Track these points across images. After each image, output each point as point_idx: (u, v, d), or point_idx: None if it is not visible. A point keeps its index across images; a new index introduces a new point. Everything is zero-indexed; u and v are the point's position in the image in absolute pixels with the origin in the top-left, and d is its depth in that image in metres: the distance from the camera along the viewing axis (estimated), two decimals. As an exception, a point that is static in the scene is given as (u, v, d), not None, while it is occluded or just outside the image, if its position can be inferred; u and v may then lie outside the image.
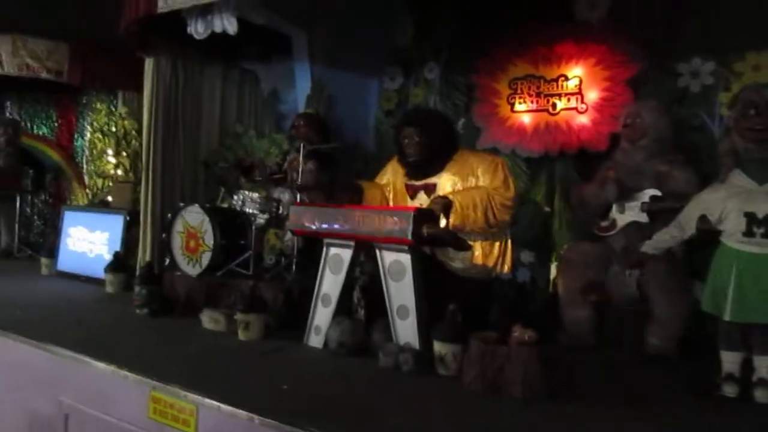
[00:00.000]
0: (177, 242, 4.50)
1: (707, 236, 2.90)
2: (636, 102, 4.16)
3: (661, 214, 3.62)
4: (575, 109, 4.63)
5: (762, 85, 2.95)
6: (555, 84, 4.73)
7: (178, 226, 4.50)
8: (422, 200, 3.78)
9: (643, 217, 3.67)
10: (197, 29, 4.34)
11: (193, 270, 4.39)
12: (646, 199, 3.68)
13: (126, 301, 4.50)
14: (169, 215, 4.63)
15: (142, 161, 5.37)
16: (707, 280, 2.92)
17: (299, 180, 4.34)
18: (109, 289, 5.09)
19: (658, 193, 3.65)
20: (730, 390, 2.81)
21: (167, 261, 4.61)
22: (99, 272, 5.30)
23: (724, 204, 2.81)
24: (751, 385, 2.78)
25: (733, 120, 2.95)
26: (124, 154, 7.16)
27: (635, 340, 3.57)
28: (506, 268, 3.79)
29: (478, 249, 3.66)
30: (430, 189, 3.77)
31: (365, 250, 3.57)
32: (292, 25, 5.31)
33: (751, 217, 2.72)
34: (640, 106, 3.94)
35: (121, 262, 5.20)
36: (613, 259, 3.73)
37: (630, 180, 3.75)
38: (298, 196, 4.36)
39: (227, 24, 4.19)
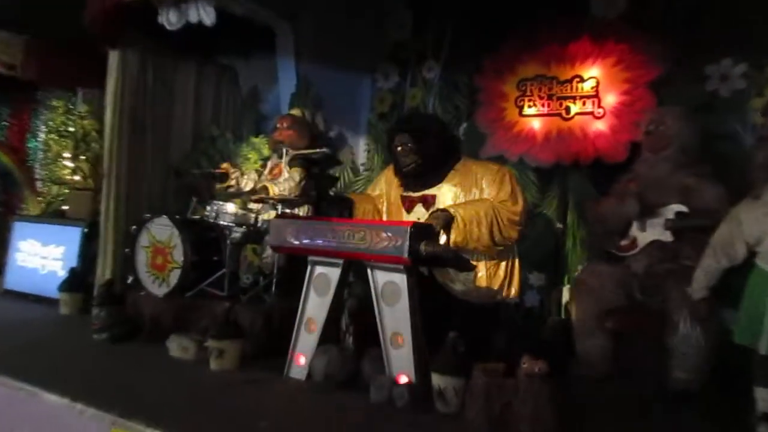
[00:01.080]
0: (142, 258, 4.47)
1: None
2: (659, 108, 4.19)
3: (686, 232, 3.63)
4: (591, 113, 4.66)
5: None
6: (569, 86, 4.76)
7: (144, 240, 4.48)
8: (420, 214, 3.78)
9: (667, 236, 3.67)
10: (170, 20, 4.35)
11: (159, 290, 4.36)
12: (670, 215, 3.69)
13: (83, 324, 4.46)
14: (134, 228, 4.60)
15: (104, 166, 5.35)
16: (740, 308, 2.92)
17: (281, 190, 4.32)
18: (63, 310, 5.05)
19: (683, 209, 3.66)
20: (766, 431, 2.80)
21: (130, 279, 4.58)
22: (52, 291, 5.26)
23: (762, 222, 2.81)
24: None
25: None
26: (83, 157, 7.09)
27: (658, 373, 3.56)
28: (513, 291, 3.78)
29: (482, 269, 3.65)
30: (428, 201, 3.77)
31: (355, 269, 3.56)
32: (275, 17, 5.33)
33: None
34: (664, 113, 3.97)
35: (77, 281, 5.17)
36: (633, 284, 3.73)
37: (652, 194, 3.76)
38: (280, 208, 4.35)
39: (203, 14, 4.20)
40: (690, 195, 3.67)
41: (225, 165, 4.96)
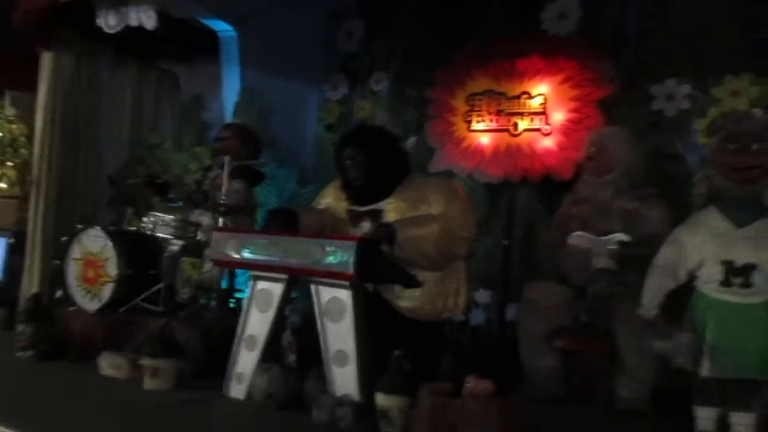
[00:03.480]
0: (72, 271, 4.37)
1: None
2: (600, 130, 4.26)
3: (632, 260, 3.70)
4: (539, 130, 4.76)
5: (743, 116, 3.04)
6: (517, 102, 4.86)
7: (75, 252, 4.37)
8: (366, 229, 3.77)
9: (612, 264, 3.72)
10: (108, 22, 4.29)
11: (91, 304, 4.26)
12: (614, 244, 3.74)
13: (7, 341, 4.32)
14: (64, 239, 4.50)
15: (33, 173, 5.21)
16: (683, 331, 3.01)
17: (223, 201, 4.29)
18: (-15, 326, 4.90)
19: (626, 238, 3.71)
20: (704, 449, 2.90)
21: (60, 293, 4.47)
22: (-27, 306, 5.09)
23: (701, 249, 2.90)
24: (728, 444, 2.87)
25: (712, 152, 3.03)
26: (10, 164, 6.92)
27: (605, 393, 3.65)
28: (460, 308, 3.82)
29: (428, 286, 3.67)
30: (375, 216, 3.78)
31: (298, 284, 3.54)
32: (220, 21, 5.30)
33: (728, 266, 2.82)
34: (605, 135, 4.04)
35: (1, 295, 5.01)
36: (579, 306, 3.79)
37: (597, 219, 3.82)
38: (221, 220, 4.31)
39: (144, 18, 4.17)
40: (633, 220, 3.76)
41: (165, 178, 4.85)
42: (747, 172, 2.87)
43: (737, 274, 2.81)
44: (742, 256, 2.81)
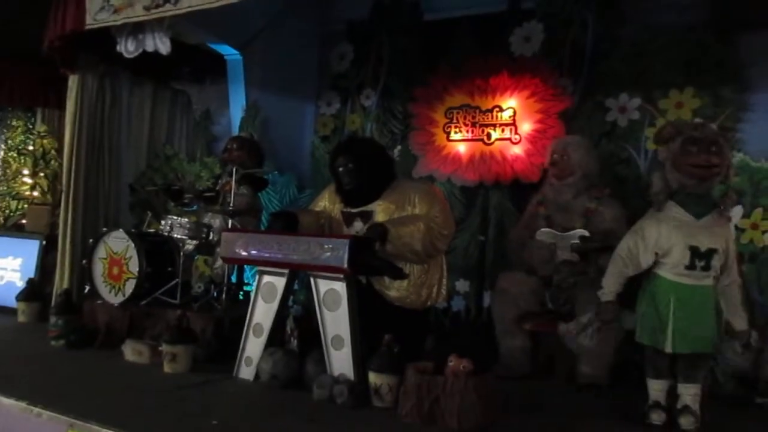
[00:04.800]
0: (98, 269, 4.33)
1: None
2: (562, 139, 4.27)
3: (590, 252, 3.73)
4: (509, 139, 4.78)
5: (700, 123, 3.07)
6: (490, 114, 4.87)
7: (101, 252, 4.34)
8: (358, 228, 3.77)
9: (574, 257, 3.75)
10: (127, 48, 4.25)
11: (115, 298, 4.23)
12: (576, 239, 3.76)
13: (40, 332, 4.29)
14: (91, 240, 4.47)
15: (63, 183, 5.18)
16: (643, 313, 2.97)
17: (231, 205, 4.28)
18: (21, 318, 4.86)
19: (586, 233, 3.73)
20: (656, 417, 2.92)
21: (87, 289, 4.43)
22: (10, 301, 5.05)
23: (670, 236, 2.91)
24: (676, 413, 2.89)
25: (672, 155, 2.99)
26: (42, 174, 6.87)
27: (569, 369, 3.67)
28: (442, 297, 3.82)
29: (414, 278, 3.68)
30: (366, 216, 3.78)
31: (299, 278, 3.53)
32: (227, 46, 5.29)
33: (694, 251, 2.84)
34: (567, 143, 4.05)
35: (35, 290, 4.98)
36: (545, 293, 3.81)
37: (559, 217, 3.84)
38: (230, 222, 4.29)
39: (159, 44, 4.12)
40: (592, 217, 3.79)
41: (180, 185, 4.83)
42: (708, 170, 2.88)
43: (701, 257, 2.84)
44: (704, 242, 2.84)
